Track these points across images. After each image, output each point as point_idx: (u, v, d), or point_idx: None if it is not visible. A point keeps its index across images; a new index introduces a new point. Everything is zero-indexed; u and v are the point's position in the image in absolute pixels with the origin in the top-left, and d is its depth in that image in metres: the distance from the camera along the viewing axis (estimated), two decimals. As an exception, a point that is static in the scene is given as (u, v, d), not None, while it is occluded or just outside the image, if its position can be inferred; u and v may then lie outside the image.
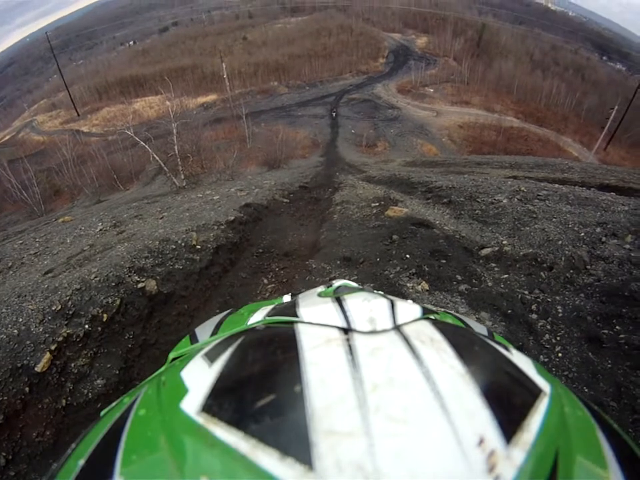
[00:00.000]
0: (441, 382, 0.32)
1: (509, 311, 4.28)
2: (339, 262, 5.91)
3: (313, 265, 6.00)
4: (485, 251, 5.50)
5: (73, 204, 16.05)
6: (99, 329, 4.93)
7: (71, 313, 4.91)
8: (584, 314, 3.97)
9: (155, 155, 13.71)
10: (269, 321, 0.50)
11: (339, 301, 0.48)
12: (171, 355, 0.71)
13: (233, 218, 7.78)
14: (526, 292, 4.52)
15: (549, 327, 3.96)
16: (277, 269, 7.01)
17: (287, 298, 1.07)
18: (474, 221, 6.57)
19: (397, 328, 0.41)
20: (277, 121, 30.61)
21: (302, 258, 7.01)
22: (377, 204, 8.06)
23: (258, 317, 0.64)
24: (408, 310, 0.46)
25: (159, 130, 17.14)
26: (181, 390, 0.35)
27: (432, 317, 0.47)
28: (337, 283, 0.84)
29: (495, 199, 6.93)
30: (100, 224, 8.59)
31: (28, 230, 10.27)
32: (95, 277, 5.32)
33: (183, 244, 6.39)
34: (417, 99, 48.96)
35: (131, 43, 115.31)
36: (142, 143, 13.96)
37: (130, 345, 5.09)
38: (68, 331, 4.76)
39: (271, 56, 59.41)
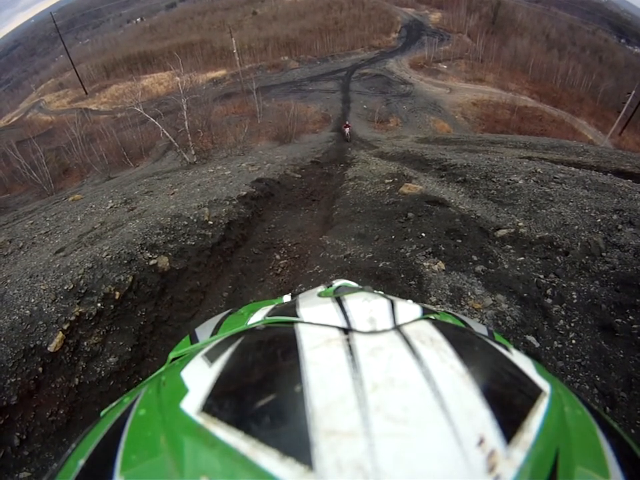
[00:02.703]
0: (441, 382, 0.31)
1: (525, 295, 4.23)
2: (353, 239, 5.84)
3: (327, 241, 5.93)
4: (500, 232, 5.41)
5: (83, 182, 16.02)
6: (112, 306, 4.92)
7: (83, 291, 4.91)
8: (598, 302, 3.92)
9: (164, 131, 13.62)
10: (269, 320, 0.49)
11: (339, 301, 0.48)
12: (171, 355, 0.67)
13: (244, 193, 7.72)
14: (541, 276, 4.47)
15: (563, 312, 3.93)
16: (290, 245, 6.97)
17: (286, 298, 1.09)
18: (489, 200, 6.46)
19: (397, 328, 0.41)
20: (287, 95, 30.24)
21: (314, 234, 6.97)
22: (391, 180, 7.96)
23: (258, 317, 0.63)
24: (408, 310, 0.46)
25: (168, 106, 17.05)
26: (181, 390, 0.35)
27: (432, 317, 0.46)
28: (337, 283, 0.86)
29: (510, 180, 6.83)
30: (110, 201, 8.55)
31: (38, 209, 10.30)
32: (107, 255, 5.30)
33: (194, 220, 6.32)
34: (430, 75, 48.03)
35: (138, 20, 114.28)
36: (151, 119, 13.92)
37: (142, 322, 5.08)
38: (80, 310, 4.76)
39: (281, 30, 58.29)
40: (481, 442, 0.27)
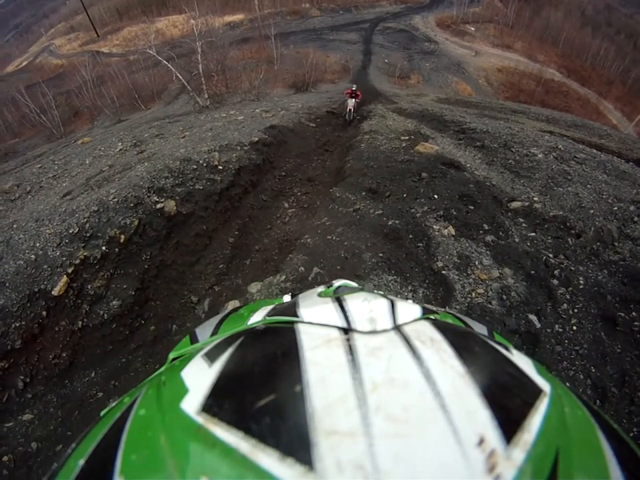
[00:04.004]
0: (441, 382, 0.31)
1: (532, 272, 4.20)
2: (364, 193, 5.78)
3: (337, 193, 5.87)
4: (514, 204, 5.32)
5: (93, 125, 15.85)
6: (116, 250, 4.90)
7: (88, 235, 4.90)
8: (604, 291, 3.89)
9: (178, 74, 13.31)
10: (269, 320, 0.49)
11: (339, 301, 0.47)
12: (171, 355, 0.63)
13: (256, 139, 7.58)
14: (551, 255, 4.42)
15: (568, 296, 3.91)
16: (299, 194, 6.93)
17: (287, 298, 1.08)
18: (506, 170, 6.35)
19: (397, 328, 0.40)
20: (307, 43, 29.30)
21: (325, 185, 6.91)
22: (407, 137, 7.81)
23: (258, 317, 0.61)
24: (408, 310, 0.45)
25: (182, 49, 16.61)
26: (181, 390, 0.35)
27: (432, 316, 0.46)
28: (337, 282, 0.86)
29: (530, 152, 6.69)
30: (120, 144, 8.44)
31: (47, 153, 10.22)
32: (114, 198, 5.25)
33: (204, 164, 6.21)
34: (456, 35, 46.05)
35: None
36: (165, 61, 13.60)
37: (147, 266, 5.09)
38: (85, 254, 4.76)
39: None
40: (481, 442, 0.27)
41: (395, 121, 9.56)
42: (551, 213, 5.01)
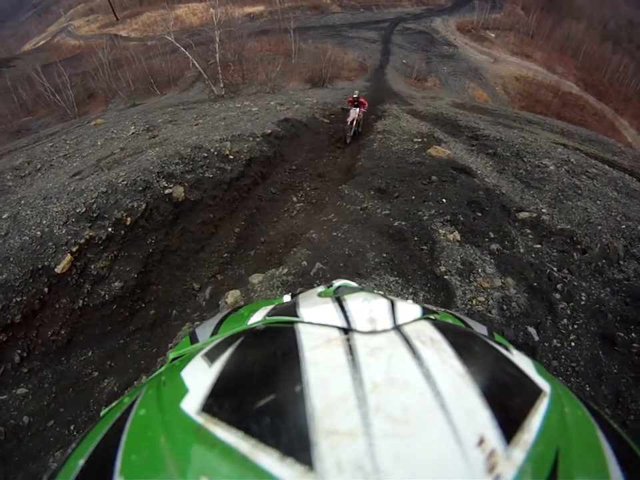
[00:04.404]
0: (441, 382, 0.31)
1: (535, 284, 4.17)
2: (372, 192, 5.78)
3: (345, 190, 5.86)
4: (522, 214, 5.30)
5: (107, 107, 15.87)
6: (122, 232, 4.93)
7: (95, 215, 4.93)
8: (605, 310, 3.87)
9: (194, 62, 13.32)
10: (269, 320, 0.49)
11: (339, 301, 0.48)
12: (171, 355, 0.61)
13: (269, 131, 7.59)
14: (555, 269, 4.39)
15: (569, 311, 3.89)
16: (308, 189, 6.94)
17: (286, 298, 1.07)
18: (517, 179, 6.32)
19: (397, 328, 0.41)
20: (325, 39, 29.23)
21: (335, 181, 6.91)
22: (420, 140, 7.79)
23: (258, 317, 0.61)
24: (408, 310, 0.46)
25: (200, 37, 16.65)
26: (181, 390, 0.35)
27: (432, 316, 0.46)
28: (337, 283, 0.87)
29: (541, 163, 6.66)
30: (133, 127, 8.45)
31: (59, 132, 10.26)
32: (123, 181, 5.28)
33: (215, 152, 6.23)
34: (476, 40, 45.61)
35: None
36: (182, 48, 13.57)
37: (151, 250, 5.11)
38: (90, 234, 4.80)
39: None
40: (481, 442, 0.27)
41: (408, 122, 9.54)
42: (559, 226, 5.00)
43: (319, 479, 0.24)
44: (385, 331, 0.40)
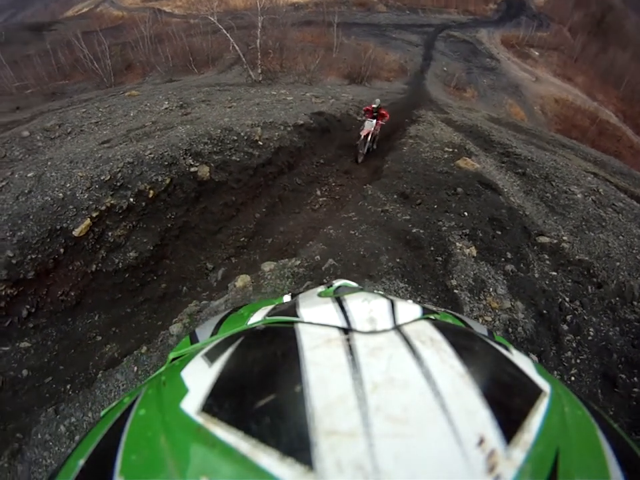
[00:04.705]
0: (441, 382, 0.31)
1: (544, 312, 4.11)
2: (395, 196, 5.74)
3: (369, 190, 5.84)
4: (542, 239, 5.23)
5: (143, 80, 15.98)
6: (143, 204, 4.97)
7: (118, 184, 4.98)
8: (612, 349, 3.81)
9: (235, 45, 13.35)
10: (269, 320, 0.49)
11: (339, 301, 0.47)
12: (171, 355, 0.61)
13: (301, 122, 7.57)
14: (567, 299, 4.33)
15: (574, 345, 3.84)
16: (333, 184, 6.92)
17: (287, 298, 1.04)
18: (542, 202, 6.23)
19: (397, 328, 0.40)
20: (368, 37, 29.03)
21: (360, 180, 6.88)
22: (451, 150, 7.70)
23: (258, 317, 0.62)
24: (408, 310, 0.45)
25: (243, 21, 16.68)
26: (181, 390, 0.35)
27: (432, 316, 0.46)
28: (337, 282, 0.85)
29: (569, 189, 6.57)
30: (166, 102, 8.47)
31: (93, 99, 10.37)
32: (150, 154, 5.31)
33: (245, 137, 6.21)
34: (519, 56, 44.66)
35: None
36: (224, 30, 13.62)
37: (169, 225, 5.15)
38: (112, 202, 4.85)
39: (375, -32, 55.02)
40: (481, 442, 0.27)
41: (442, 130, 9.45)
42: (577, 256, 4.93)
43: (319, 479, 0.24)
44: (385, 331, 0.40)
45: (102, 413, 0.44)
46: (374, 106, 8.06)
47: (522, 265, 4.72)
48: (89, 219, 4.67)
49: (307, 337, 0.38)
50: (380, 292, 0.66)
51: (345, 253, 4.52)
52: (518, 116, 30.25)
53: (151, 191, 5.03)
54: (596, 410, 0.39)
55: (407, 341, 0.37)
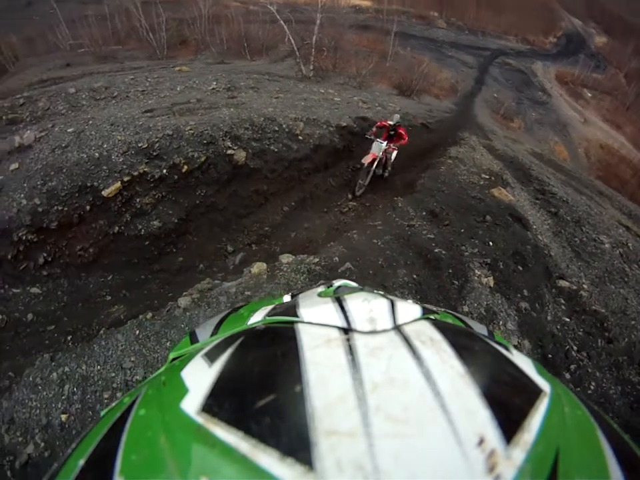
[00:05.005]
0: (441, 382, 0.32)
1: (550, 356, 4.08)
2: (424, 213, 5.72)
3: (399, 203, 5.82)
4: (562, 283, 5.14)
5: (195, 57, 16.11)
6: (175, 177, 5.02)
7: (154, 154, 5.03)
8: (609, 408, 3.77)
9: (291, 37, 13.35)
10: (269, 320, 0.50)
11: (339, 301, 0.47)
12: (171, 355, 0.63)
13: (344, 124, 7.52)
14: (575, 348, 4.27)
15: None
16: (366, 191, 6.81)
17: (287, 298, 0.99)
18: (569, 246, 6.14)
19: (397, 328, 0.40)
20: (423, 51, 28.76)
21: (393, 191, 6.76)
22: (487, 177, 7.61)
23: (258, 317, 0.62)
24: (408, 310, 0.45)
25: (302, 15, 16.78)
26: (181, 390, 0.35)
27: (432, 316, 0.46)
28: (337, 282, 0.83)
29: (598, 238, 6.46)
30: (214, 83, 8.50)
31: (143, 69, 10.51)
32: (190, 130, 5.35)
33: (286, 129, 6.23)
34: (571, 95, 43.66)
35: None
36: (282, 21, 13.64)
37: (198, 202, 5.19)
38: (145, 169, 4.91)
39: (440, -16, 54.71)
40: (481, 442, 0.27)
41: (482, 156, 9.33)
42: (593, 307, 4.83)
43: (319, 479, 0.24)
44: (385, 331, 0.40)
45: (102, 413, 0.44)
46: (390, 122, 6.64)
47: (537, 305, 4.65)
48: (120, 182, 4.73)
49: (307, 337, 0.38)
50: (380, 292, 0.64)
51: (363, 260, 4.51)
52: (561, 155, 29.72)
53: (185, 166, 5.06)
54: (596, 410, 0.38)
55: (407, 341, 0.37)
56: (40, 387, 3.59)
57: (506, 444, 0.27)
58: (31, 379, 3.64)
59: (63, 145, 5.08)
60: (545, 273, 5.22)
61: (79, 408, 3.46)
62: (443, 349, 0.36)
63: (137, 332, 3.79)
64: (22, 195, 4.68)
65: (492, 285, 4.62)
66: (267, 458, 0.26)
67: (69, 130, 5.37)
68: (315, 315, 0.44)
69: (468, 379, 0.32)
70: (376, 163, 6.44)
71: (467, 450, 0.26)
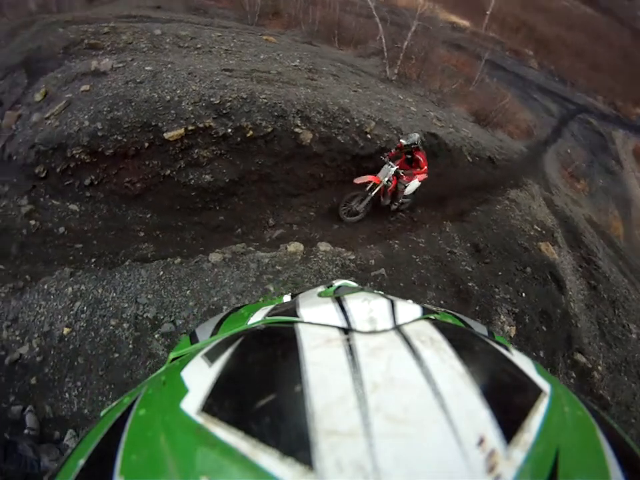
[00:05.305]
0: (441, 382, 0.31)
1: None
2: (468, 245, 5.70)
3: (447, 228, 5.83)
4: (579, 357, 5.09)
5: (284, 32, 16.08)
6: (238, 139, 5.05)
7: (224, 112, 5.07)
8: None
9: (383, 37, 13.22)
10: (269, 320, 0.50)
11: (339, 301, 0.47)
12: (171, 355, 0.63)
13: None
14: None
15: None
16: (417, 206, 6.72)
17: (287, 298, 1.01)
18: (597, 323, 6.01)
19: (397, 328, 0.40)
20: (509, 86, 28.03)
21: (443, 215, 6.69)
22: (539, 229, 7.46)
23: (258, 316, 0.62)
24: (408, 310, 0.45)
25: (398, 18, 16.55)
26: (181, 390, 0.35)
27: (432, 316, 0.46)
28: (337, 282, 0.85)
29: (628, 325, 6.27)
30: (298, 61, 8.50)
31: (231, 29, 10.56)
32: (264, 99, 5.38)
33: (357, 124, 6.15)
34: None
35: None
36: (377, 19, 13.54)
37: (253, 169, 5.23)
38: (211, 124, 4.95)
39: (543, 26, 53.32)
40: (481, 442, 0.27)
41: (539, 207, 9.13)
42: (600, 392, 4.81)
43: (319, 479, 0.24)
44: (385, 331, 0.40)
45: (102, 413, 0.43)
46: (407, 142, 5.38)
47: (548, 369, 4.52)
48: (183, 129, 4.78)
49: (307, 337, 0.38)
50: (380, 292, 0.63)
51: (398, 271, 4.52)
52: (616, 231, 28.65)
53: (251, 132, 5.07)
54: (596, 410, 0.38)
55: (407, 341, 0.37)
56: (52, 297, 3.69)
57: (506, 444, 0.27)
58: (45, 286, 3.76)
59: (138, 80, 5.19)
60: (566, 341, 5.15)
61: (83, 326, 3.56)
62: (443, 348, 0.36)
63: (161, 273, 3.89)
64: (86, 117, 4.83)
65: (512, 336, 4.62)
66: (267, 458, 0.25)
67: (146, 68, 5.48)
68: (315, 314, 0.44)
69: (468, 379, 0.32)
70: (377, 189, 5.44)
71: (467, 450, 0.26)
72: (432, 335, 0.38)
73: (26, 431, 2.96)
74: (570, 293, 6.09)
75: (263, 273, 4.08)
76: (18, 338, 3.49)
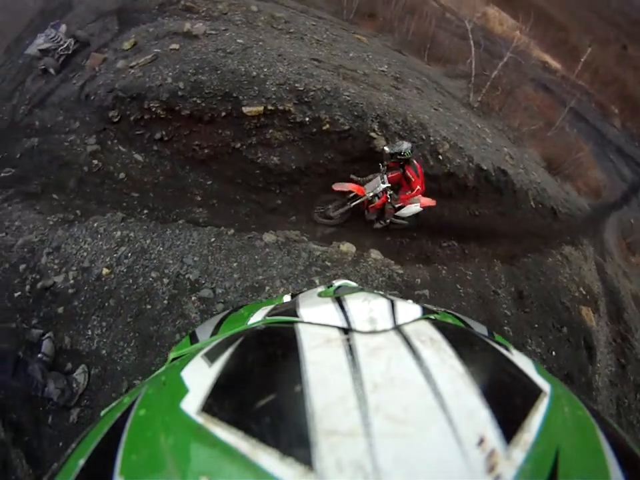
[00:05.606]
0: (441, 382, 0.31)
1: None
2: (513, 289, 5.60)
3: (496, 267, 5.76)
4: None
5: (376, 35, 16.02)
6: (314, 130, 5.09)
7: (305, 100, 5.11)
8: None
9: (473, 61, 13.08)
10: (269, 320, 0.51)
11: (339, 301, 0.48)
12: (171, 355, 0.64)
13: (485, 168, 7.17)
14: None
15: None
16: (473, 240, 6.59)
17: (287, 298, 0.98)
18: (615, 403, 5.84)
19: (397, 328, 0.41)
20: (587, 140, 27.35)
21: (496, 254, 6.54)
22: (584, 293, 7.25)
23: (258, 317, 0.63)
24: (408, 310, 0.46)
25: (492, 46, 16.25)
26: (181, 390, 0.35)
27: (432, 316, 0.46)
28: (337, 282, 0.84)
29: None
30: (386, 66, 8.36)
31: (325, 21, 10.58)
32: (347, 96, 5.36)
33: (432, 142, 6.08)
34: None
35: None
36: (471, 42, 13.27)
37: (321, 162, 5.27)
38: (291, 109, 5.01)
39: (634, 85, 50.99)
40: (481, 442, 0.27)
41: (589, 271, 8.89)
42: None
43: (319, 479, 0.24)
44: (385, 330, 0.40)
45: (102, 413, 0.42)
46: (387, 150, 4.60)
47: None
48: (263, 107, 4.84)
49: (307, 337, 0.38)
50: (380, 292, 0.63)
51: (440, 296, 4.53)
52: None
53: (327, 125, 5.09)
54: (596, 410, 0.37)
55: (407, 341, 0.37)
56: (99, 236, 3.78)
57: (506, 444, 0.27)
58: (95, 224, 3.85)
59: (228, 50, 5.28)
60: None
61: (123, 271, 3.63)
62: (443, 348, 0.35)
63: (213, 239, 3.94)
64: (170, 74, 4.95)
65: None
66: (267, 458, 0.25)
67: (238, 40, 5.55)
68: (315, 314, 0.44)
69: (468, 379, 0.31)
70: (359, 202, 4.85)
71: (467, 450, 0.26)
72: (432, 334, 0.38)
73: (40, 355, 3.05)
74: (598, 365, 5.94)
75: (312, 265, 4.09)
76: (56, 266, 3.59)
